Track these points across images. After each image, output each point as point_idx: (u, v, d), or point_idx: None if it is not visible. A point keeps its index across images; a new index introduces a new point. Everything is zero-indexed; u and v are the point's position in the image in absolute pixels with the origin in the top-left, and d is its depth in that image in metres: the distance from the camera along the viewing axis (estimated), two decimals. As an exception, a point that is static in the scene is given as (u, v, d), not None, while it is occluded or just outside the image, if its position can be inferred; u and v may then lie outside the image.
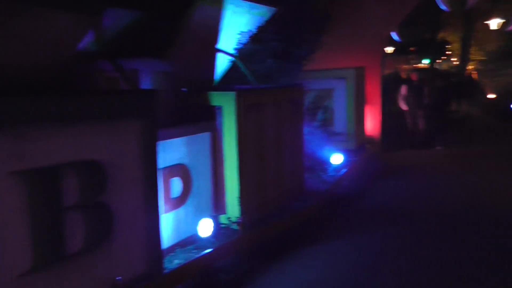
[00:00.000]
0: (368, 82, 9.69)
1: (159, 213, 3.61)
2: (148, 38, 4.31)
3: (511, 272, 4.04)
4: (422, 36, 36.06)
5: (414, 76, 11.06)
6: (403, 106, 10.65)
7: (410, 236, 5.01)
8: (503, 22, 19.82)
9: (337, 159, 7.79)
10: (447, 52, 45.71)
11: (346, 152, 8.21)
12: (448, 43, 41.63)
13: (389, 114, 10.93)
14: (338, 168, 7.57)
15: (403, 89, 10.60)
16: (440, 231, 5.13)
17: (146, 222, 3.47)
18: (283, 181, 5.65)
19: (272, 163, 5.35)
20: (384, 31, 9.62)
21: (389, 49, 37.53)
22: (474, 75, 21.80)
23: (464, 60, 30.35)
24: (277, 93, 5.51)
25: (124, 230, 3.28)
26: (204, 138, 4.73)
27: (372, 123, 10.00)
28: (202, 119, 4.76)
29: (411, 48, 50.22)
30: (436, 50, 39.85)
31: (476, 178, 7.43)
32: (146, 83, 4.33)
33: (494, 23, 20.72)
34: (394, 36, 13.16)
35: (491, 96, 17.32)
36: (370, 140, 9.71)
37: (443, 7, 11.85)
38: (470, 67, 33.05)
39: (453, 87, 13.02)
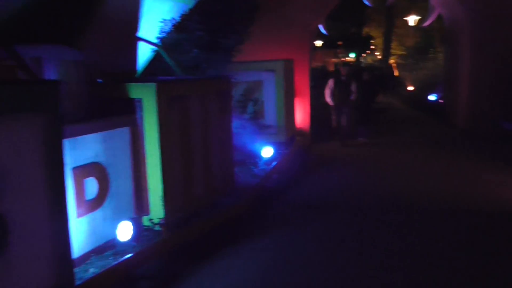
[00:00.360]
0: (297, 75, 9.75)
1: (68, 219, 3.23)
2: (53, 22, 3.83)
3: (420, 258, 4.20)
4: (348, 30, 37.55)
5: (342, 71, 11.01)
6: (329, 101, 10.18)
7: (337, 228, 5.05)
8: (420, 19, 21.17)
9: (267, 152, 7.73)
10: (371, 47, 48.15)
11: (276, 144, 8.19)
12: (372, 38, 43.79)
13: (318, 107, 11.13)
14: (269, 161, 7.51)
15: (330, 84, 10.47)
16: (367, 222, 5.24)
17: (51, 229, 3.07)
18: (211, 177, 5.43)
19: (198, 158, 5.10)
20: (311, 24, 9.72)
21: (318, 43, 38.63)
22: (394, 69, 23.09)
23: (387, 54, 32.11)
24: (203, 85, 5.26)
25: (24, 240, 2.87)
26: (122, 133, 4.35)
27: (301, 116, 10.10)
28: (120, 113, 4.38)
29: (339, 42, 52.18)
30: (361, 44, 41.77)
31: (398, 167, 7.76)
32: (51, 73, 3.86)
33: (412, 20, 22.04)
34: (322, 29, 13.39)
35: (410, 88, 18.43)
36: (300, 132, 9.80)
37: (366, 2, 12.26)
38: (391, 61, 35.02)
39: (376, 80, 13.33)
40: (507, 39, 9.05)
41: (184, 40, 6.24)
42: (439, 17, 13.63)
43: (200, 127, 5.12)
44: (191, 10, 5.96)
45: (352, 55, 48.51)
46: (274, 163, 7.31)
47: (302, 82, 9.97)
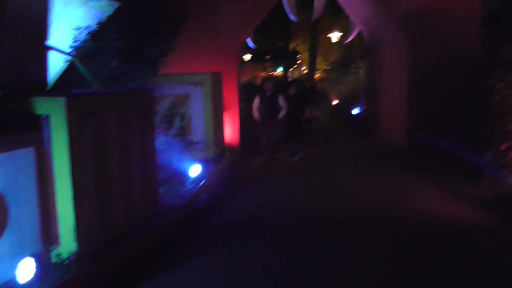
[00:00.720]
0: (226, 88, 9.57)
1: None
2: None
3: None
4: (276, 45, 38.47)
5: (266, 86, 9.43)
6: (256, 116, 9.22)
7: (266, 248, 4.85)
8: (342, 35, 22.20)
9: (195, 170, 7.39)
10: (298, 61, 49.79)
11: (205, 161, 7.88)
12: (298, 52, 45.29)
13: (248, 121, 11.01)
14: (197, 179, 7.17)
15: (256, 100, 9.29)
16: (295, 240, 5.10)
17: None
18: (133, 200, 4.97)
19: (117, 180, 4.64)
20: (240, 36, 9.62)
21: (247, 57, 39.06)
22: (316, 83, 23.92)
23: (312, 68, 33.32)
24: (122, 98, 4.82)
25: None
26: (25, 155, 3.79)
27: (231, 131, 9.90)
28: (23, 131, 3.82)
29: (267, 56, 53.22)
30: (288, 59, 42.97)
31: (326, 180, 7.82)
32: None
33: (335, 36, 23.08)
34: (250, 42, 13.40)
35: (335, 102, 19.12)
36: (230, 148, 9.58)
37: (292, 17, 12.49)
38: (317, 75, 36.41)
39: (301, 94, 13.33)
40: (430, 56, 9.62)
41: (102, 50, 5.74)
42: (360, 34, 14.31)
43: (118, 145, 4.67)
44: (109, 17, 5.49)
45: (280, 69, 49.70)
46: (202, 182, 6.98)
47: (231, 96, 9.80)
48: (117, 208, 4.62)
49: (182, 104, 7.97)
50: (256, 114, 9.18)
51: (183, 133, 7.94)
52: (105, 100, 4.50)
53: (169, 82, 7.83)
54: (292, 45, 40.61)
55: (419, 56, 9.73)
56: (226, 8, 9.36)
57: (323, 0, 12.09)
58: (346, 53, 34.67)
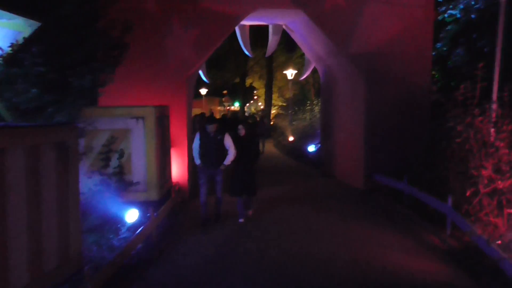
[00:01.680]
0: (174, 123, 8.81)
1: None
2: None
3: None
4: (232, 80, 38.43)
5: (211, 123, 7.20)
6: (196, 160, 7.21)
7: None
8: (297, 73, 22.36)
9: (132, 215, 6.46)
10: (255, 97, 50.04)
11: (146, 204, 6.97)
12: (255, 88, 45.52)
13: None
14: (134, 226, 6.24)
15: (196, 138, 7.21)
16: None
17: None
18: (43, 259, 4.00)
19: (22, 233, 3.68)
20: (190, 69, 8.98)
21: (203, 91, 38.61)
22: (264, 117, 23.69)
23: (269, 104, 33.31)
24: (32, 134, 3.94)
25: None
26: None
27: (179, 169, 9.07)
28: None
29: (224, 91, 52.94)
30: (245, 94, 42.96)
31: (278, 227, 7.12)
32: None
33: (290, 73, 23.20)
34: (203, 76, 12.82)
35: (291, 138, 18.78)
36: (177, 187, 8.71)
37: (247, 52, 12.11)
38: (273, 111, 36.48)
39: (252, 134, 12.74)
40: (386, 96, 9.41)
41: (18, 77, 4.88)
42: (315, 71, 14.15)
43: (24, 190, 3.75)
44: (27, 39, 4.67)
45: (237, 104, 49.54)
46: (140, 229, 6.04)
47: (180, 131, 9.03)
48: (19, 270, 3.64)
49: (122, 140, 7.09)
50: (196, 157, 7.10)
51: (121, 172, 7.01)
52: (8, 137, 3.61)
53: (107, 115, 6.97)
54: (249, 81, 40.78)
55: (375, 95, 9.50)
56: (174, 39, 8.76)
57: (277, 37, 11.83)
58: (302, 90, 35.22)
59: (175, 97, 8.91)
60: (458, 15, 11.05)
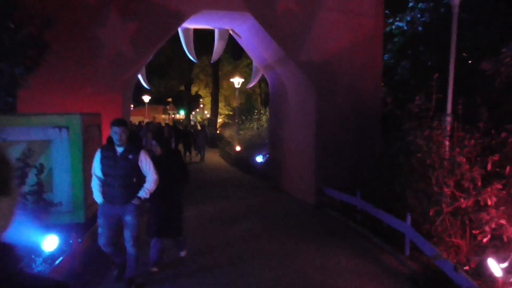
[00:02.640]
0: (106, 132, 7.79)
1: None
2: None
3: None
4: (177, 88, 37.28)
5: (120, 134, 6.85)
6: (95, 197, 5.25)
7: None
8: (243, 82, 21.94)
9: (51, 242, 5.42)
10: (201, 105, 49.01)
11: (70, 228, 5.95)
12: (201, 97, 44.56)
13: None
14: (53, 256, 5.21)
15: (97, 156, 4.88)
16: None
17: None
18: None
19: None
20: (124, 74, 8.04)
21: (146, 98, 37.08)
22: (206, 126, 23.04)
23: (215, 113, 32.51)
24: None
25: None
26: None
27: (112, 183, 8.04)
28: None
29: (168, 99, 51.44)
30: (190, 102, 41.90)
31: (222, 248, 6.38)
32: None
33: (237, 82, 22.71)
34: (143, 82, 11.83)
35: (238, 148, 18.12)
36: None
37: (191, 57, 11.33)
38: (220, 120, 35.75)
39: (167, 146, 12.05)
40: (336, 106, 9.03)
41: None
42: (263, 82, 13.64)
43: None
44: None
45: (182, 112, 48.33)
46: (59, 260, 5.04)
47: (114, 142, 8.03)
48: None
49: (41, 153, 6.02)
50: (94, 190, 4.76)
51: (40, 191, 5.92)
52: None
53: (23, 124, 5.89)
54: (194, 89, 39.79)
55: (326, 106, 9.10)
56: (107, 38, 7.79)
57: (224, 42, 11.17)
58: (249, 99, 34.84)
59: (110, 103, 7.92)
60: (405, 28, 11.04)
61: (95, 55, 7.77)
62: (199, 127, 24.70)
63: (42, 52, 6.24)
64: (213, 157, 20.28)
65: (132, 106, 47.36)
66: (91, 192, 6.54)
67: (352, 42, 9.14)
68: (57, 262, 5.03)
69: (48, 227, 5.65)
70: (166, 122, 36.14)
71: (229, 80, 30.67)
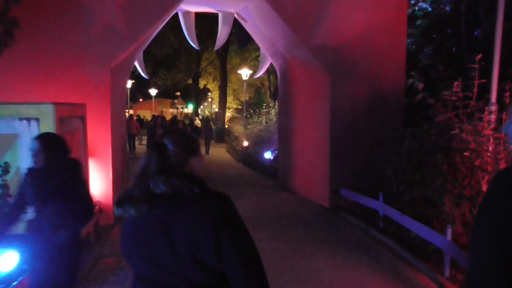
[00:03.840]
0: (93, 126, 6.82)
1: None
2: None
3: None
4: (185, 81, 36.30)
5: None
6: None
7: None
8: (252, 73, 21.02)
9: (11, 259, 4.46)
10: (209, 99, 48.07)
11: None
12: (209, 90, 43.59)
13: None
14: (11, 277, 4.25)
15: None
16: None
17: None
18: None
19: None
20: (112, 59, 7.02)
21: (153, 91, 36.22)
22: (210, 121, 22.17)
23: (223, 107, 31.50)
24: None
25: None
26: None
27: (100, 184, 7.08)
28: None
29: (177, 93, 50.56)
30: (198, 96, 40.94)
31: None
32: None
33: (244, 74, 21.71)
34: (140, 70, 10.84)
35: (245, 143, 17.08)
36: (96, 208, 6.72)
37: (193, 44, 10.30)
38: (228, 114, 34.75)
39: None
40: (354, 96, 7.94)
41: None
42: (272, 74, 12.56)
43: None
44: None
45: (191, 106, 47.42)
46: (18, 280, 4.08)
47: (102, 136, 7.05)
48: None
49: (6, 150, 5.05)
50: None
51: (4, 194, 4.97)
52: None
53: (-17, 114, 4.92)
54: (203, 83, 38.81)
55: (342, 96, 8.00)
56: (92, 17, 6.77)
57: (228, 27, 10.10)
58: (257, 93, 33.72)
59: (95, 93, 6.93)
60: (429, 9, 9.85)
61: (78, 38, 6.76)
62: (198, 123, 23.55)
63: (10, 30, 5.25)
64: (219, 152, 19.30)
65: (140, 99, 46.58)
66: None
67: (371, 24, 8.00)
68: (14, 284, 4.07)
69: (10, 240, 4.70)
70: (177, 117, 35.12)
71: (237, 73, 29.65)
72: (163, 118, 9.66)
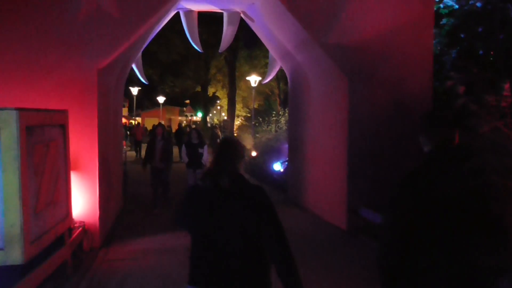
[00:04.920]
0: (76, 135, 5.94)
1: None
2: None
3: None
4: (193, 89, 35.59)
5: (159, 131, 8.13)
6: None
7: None
8: (260, 80, 20.26)
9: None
10: (218, 107, 47.32)
11: (3, 272, 4.10)
12: (218, 98, 42.83)
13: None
14: None
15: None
16: None
17: None
18: None
19: None
20: (101, 60, 6.14)
21: (161, 99, 35.55)
22: (216, 129, 21.39)
23: (232, 115, 30.63)
24: None
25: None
26: None
27: (84, 200, 6.17)
28: None
29: (186, 101, 49.90)
30: (207, 104, 40.22)
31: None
32: None
33: (253, 80, 20.86)
34: (140, 75, 9.98)
35: (254, 154, 16.12)
36: (77, 230, 5.81)
37: (195, 46, 9.42)
38: (237, 122, 33.89)
39: None
40: (376, 103, 6.96)
41: None
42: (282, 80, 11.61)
43: None
44: None
45: (200, 114, 46.71)
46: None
47: (87, 146, 6.16)
48: None
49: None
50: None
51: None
52: None
53: None
54: (212, 90, 38.07)
55: (361, 101, 7.02)
56: (75, 12, 5.90)
57: (234, 28, 9.20)
58: (267, 100, 32.78)
59: (80, 98, 6.05)
60: (456, 6, 8.84)
61: (60, 30, 5.90)
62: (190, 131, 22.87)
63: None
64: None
65: (148, 107, 45.92)
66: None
67: (395, 22, 7.02)
68: None
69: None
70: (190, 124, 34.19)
71: (246, 80, 28.83)
72: (163, 127, 8.55)
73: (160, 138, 8.29)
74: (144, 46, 8.58)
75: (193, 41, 9.16)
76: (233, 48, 27.60)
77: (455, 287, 1.72)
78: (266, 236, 2.12)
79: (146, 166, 8.48)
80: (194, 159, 8.43)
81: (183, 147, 8.79)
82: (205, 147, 8.57)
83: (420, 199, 1.76)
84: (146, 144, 9.22)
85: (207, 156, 8.38)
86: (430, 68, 7.19)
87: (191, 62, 29.09)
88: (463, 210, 1.72)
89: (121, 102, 8.79)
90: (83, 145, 6.07)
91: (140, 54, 9.11)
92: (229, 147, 2.32)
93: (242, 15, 9.02)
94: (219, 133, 19.28)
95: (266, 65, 27.52)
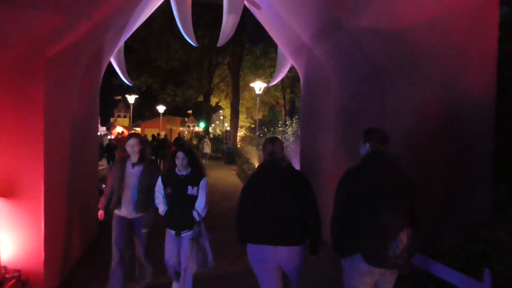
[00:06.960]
0: (10, 149, 4.15)
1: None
2: None
3: None
4: (196, 98, 33.92)
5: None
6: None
7: None
8: (265, 87, 18.64)
9: None
10: (221, 117, 45.68)
11: None
12: (221, 108, 41.17)
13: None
14: None
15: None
16: None
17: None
18: None
19: None
20: (50, 43, 4.37)
21: (161, 108, 33.84)
22: (204, 138, 19.93)
23: (235, 126, 28.84)
24: None
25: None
26: None
27: (23, 241, 4.35)
28: None
29: (189, 111, 48.28)
30: (209, 114, 38.51)
31: None
32: None
33: (258, 87, 19.20)
34: (121, 74, 8.21)
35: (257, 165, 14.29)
36: (10, 280, 3.99)
37: (188, 39, 7.64)
38: (240, 133, 32.16)
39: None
40: (423, 108, 5.16)
41: None
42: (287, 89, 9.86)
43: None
44: None
45: (202, 125, 45.08)
46: None
47: (27, 164, 4.36)
48: None
49: None
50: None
51: None
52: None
53: None
54: (215, 100, 36.42)
55: (399, 103, 5.23)
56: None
57: (235, 17, 7.41)
58: (272, 111, 31.03)
59: (18, 96, 4.28)
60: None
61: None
62: (207, 142, 21.23)
63: None
64: (228, 176, 16.55)
65: (148, 117, 44.24)
66: None
67: (446, 3, 5.21)
68: None
69: None
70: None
71: (250, 90, 27.14)
72: (140, 137, 5.24)
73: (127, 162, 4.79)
74: (126, 36, 6.84)
75: (185, 33, 7.38)
76: (237, 53, 25.90)
77: (375, 237, 2.94)
78: (308, 204, 3.39)
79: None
80: (180, 211, 4.34)
81: (159, 183, 4.47)
82: (203, 182, 4.49)
83: (354, 185, 3.08)
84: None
85: (205, 203, 4.40)
86: (494, 60, 5.34)
87: (193, 70, 27.42)
88: (378, 192, 3.02)
89: (97, 107, 7.02)
90: (20, 161, 4.27)
91: (121, 47, 7.39)
92: (279, 142, 3.65)
93: (245, 2, 7.29)
94: (208, 142, 18.08)
95: (271, 74, 25.81)
